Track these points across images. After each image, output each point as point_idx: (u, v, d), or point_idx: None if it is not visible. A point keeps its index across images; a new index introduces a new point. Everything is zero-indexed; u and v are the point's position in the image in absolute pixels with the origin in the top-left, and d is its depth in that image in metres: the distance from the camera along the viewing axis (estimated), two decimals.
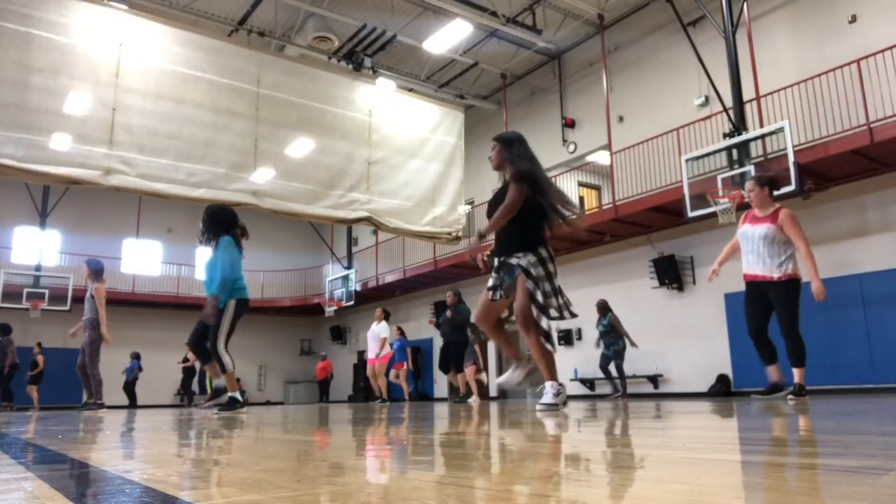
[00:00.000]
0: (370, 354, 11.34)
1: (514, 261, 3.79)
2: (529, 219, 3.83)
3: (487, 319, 4.07)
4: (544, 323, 3.69)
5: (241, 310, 5.50)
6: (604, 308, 10.65)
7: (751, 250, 5.18)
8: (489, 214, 3.95)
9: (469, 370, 10.11)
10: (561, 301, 3.84)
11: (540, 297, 3.71)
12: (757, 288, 5.15)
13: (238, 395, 5.45)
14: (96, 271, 7.85)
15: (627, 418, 3.33)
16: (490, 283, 3.95)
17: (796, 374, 5.07)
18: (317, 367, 19.67)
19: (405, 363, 11.91)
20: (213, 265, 5.53)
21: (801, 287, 5.05)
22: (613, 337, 10.52)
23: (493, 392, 13.97)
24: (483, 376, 10.25)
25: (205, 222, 5.63)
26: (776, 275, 5.04)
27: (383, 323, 11.20)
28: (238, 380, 5.60)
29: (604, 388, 13.43)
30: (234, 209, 6.01)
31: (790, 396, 4.99)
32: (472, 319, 4.26)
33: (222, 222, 5.63)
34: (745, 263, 5.26)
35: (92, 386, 7.67)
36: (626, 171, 12.68)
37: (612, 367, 10.73)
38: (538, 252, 3.80)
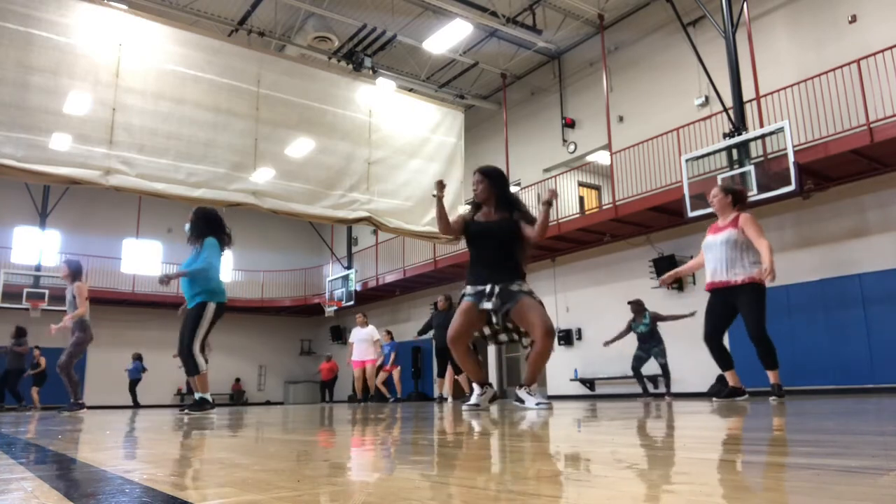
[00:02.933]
0: (359, 357, 11.73)
1: (515, 287, 4.21)
2: (519, 252, 4.39)
3: (466, 338, 4.36)
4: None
5: (219, 314, 5.53)
6: (640, 307, 9.68)
7: (714, 258, 5.19)
8: (501, 246, 4.33)
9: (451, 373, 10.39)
10: None
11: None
12: (720, 296, 5.15)
13: (208, 397, 5.46)
14: (77, 272, 7.85)
15: (628, 419, 3.33)
16: (489, 305, 4.21)
17: (771, 376, 5.05)
18: (321, 367, 19.62)
19: (398, 366, 12.88)
20: (192, 262, 5.57)
21: (766, 292, 5.07)
22: (657, 340, 9.52)
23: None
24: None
25: (193, 223, 5.65)
26: (740, 278, 5.03)
27: (371, 326, 11.86)
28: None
29: (603, 389, 13.45)
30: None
31: (772, 398, 4.97)
32: (449, 339, 4.30)
33: (210, 225, 5.66)
34: (709, 273, 5.25)
35: (70, 386, 7.64)
36: (626, 171, 12.68)
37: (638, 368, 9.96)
38: (525, 281, 4.35)
